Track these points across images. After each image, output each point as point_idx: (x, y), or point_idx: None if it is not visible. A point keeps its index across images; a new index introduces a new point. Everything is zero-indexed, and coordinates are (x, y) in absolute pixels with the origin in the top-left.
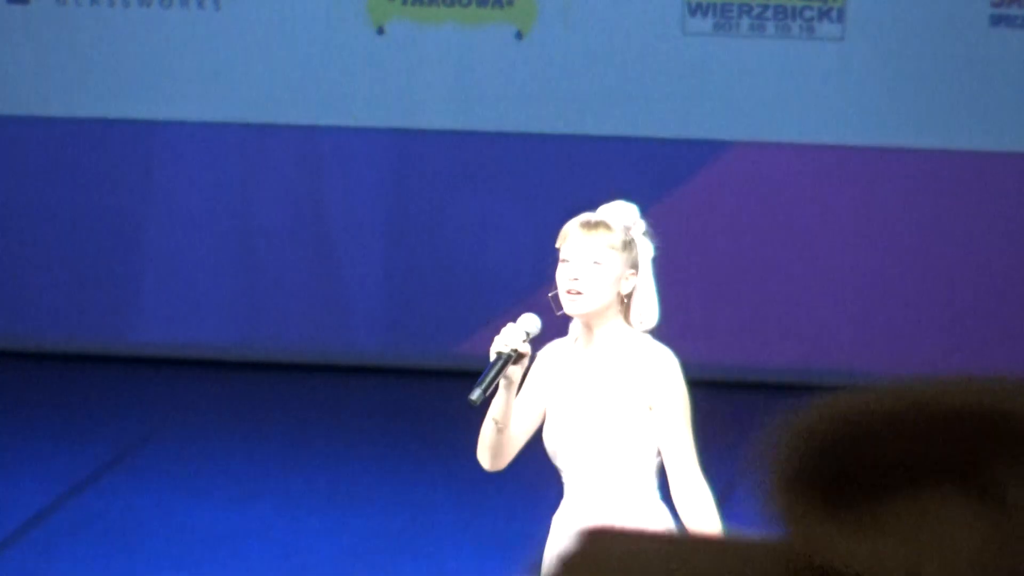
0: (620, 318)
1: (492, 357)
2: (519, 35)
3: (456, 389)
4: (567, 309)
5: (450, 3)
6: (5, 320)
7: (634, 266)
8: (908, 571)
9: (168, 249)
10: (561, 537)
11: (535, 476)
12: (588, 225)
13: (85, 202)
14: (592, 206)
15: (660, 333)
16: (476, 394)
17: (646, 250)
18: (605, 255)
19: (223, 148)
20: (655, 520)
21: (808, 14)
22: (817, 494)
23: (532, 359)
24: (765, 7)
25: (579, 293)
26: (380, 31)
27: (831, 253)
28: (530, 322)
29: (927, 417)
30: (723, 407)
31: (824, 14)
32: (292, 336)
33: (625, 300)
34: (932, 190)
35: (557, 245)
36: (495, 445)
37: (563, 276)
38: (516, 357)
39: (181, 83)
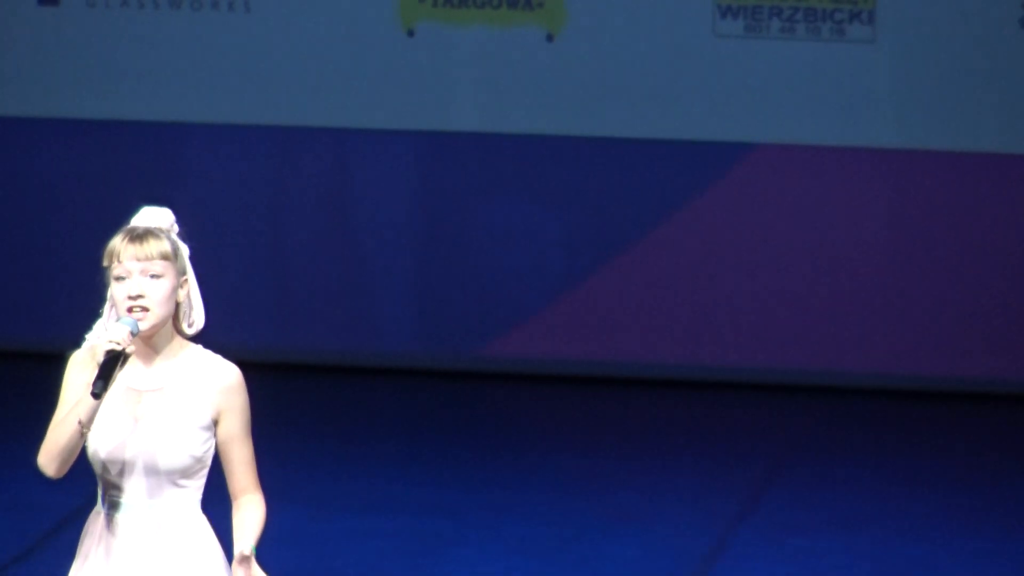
0: (171, 326)
1: (102, 356)
2: (549, 37)
3: (485, 391)
4: (138, 327)
5: (480, 5)
6: (33, 325)
7: (183, 272)
8: None
9: (197, 252)
10: (95, 545)
11: (564, 481)
12: (138, 238)
13: (114, 205)
14: (621, 208)
15: (684, 335)
16: (99, 387)
17: (186, 253)
18: (162, 266)
19: (252, 150)
20: (196, 533)
21: (839, 16)
22: None
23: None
24: (796, 9)
25: (145, 309)
26: (410, 33)
27: (860, 256)
28: (131, 323)
29: None
30: (749, 409)
31: (855, 16)
32: (320, 338)
33: (179, 306)
34: (962, 193)
35: (105, 264)
36: (72, 449)
37: (122, 294)
38: (124, 358)
39: (210, 85)
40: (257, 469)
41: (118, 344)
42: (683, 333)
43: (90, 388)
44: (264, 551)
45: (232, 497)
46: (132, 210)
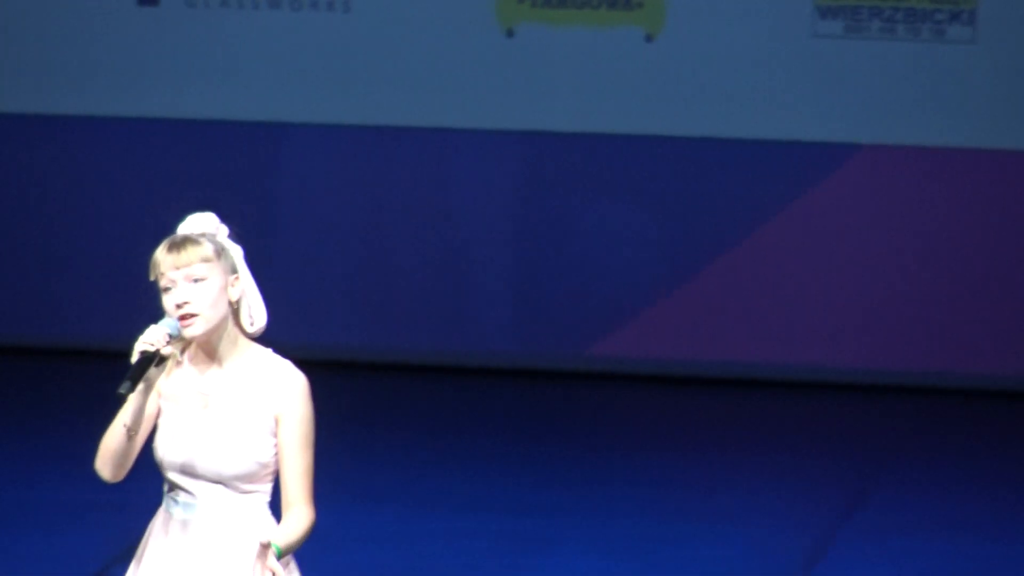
0: (234, 326)
1: (135, 356)
2: (648, 38)
3: (585, 392)
4: (187, 334)
5: (579, 5)
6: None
7: (233, 271)
8: None
9: (297, 251)
10: (156, 547)
11: (664, 481)
12: (176, 247)
13: (215, 203)
14: (723, 209)
15: (784, 336)
16: (126, 387)
17: (238, 252)
18: (204, 269)
19: (352, 150)
20: (242, 543)
21: (939, 17)
22: None
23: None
24: (896, 10)
25: (193, 316)
26: (509, 33)
27: (963, 256)
28: (172, 325)
29: None
30: (851, 409)
31: (955, 17)
32: (420, 338)
33: (234, 306)
34: None
35: (152, 277)
36: (122, 453)
37: (170, 304)
38: (159, 359)
39: (310, 85)
40: (358, 469)
41: (151, 345)
42: (784, 334)
43: (120, 388)
44: (363, 550)
45: (283, 509)
46: (235, 209)
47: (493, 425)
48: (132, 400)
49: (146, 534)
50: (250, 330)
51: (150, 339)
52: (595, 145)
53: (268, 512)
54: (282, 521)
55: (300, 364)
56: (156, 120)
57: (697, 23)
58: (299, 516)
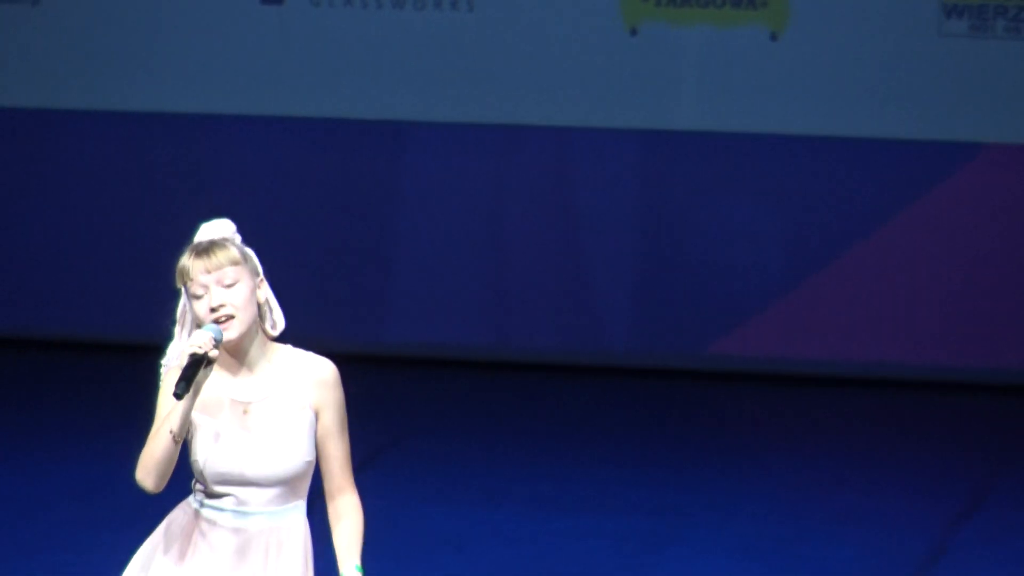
0: (259, 331)
1: (185, 360)
2: (773, 36)
3: (706, 391)
4: (225, 336)
5: (703, 4)
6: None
7: (257, 273)
8: None
9: (419, 249)
10: (210, 552)
11: (784, 481)
12: (204, 252)
13: (338, 201)
14: (845, 207)
15: (905, 335)
16: (180, 388)
17: (254, 256)
18: (234, 272)
19: (474, 149)
20: (303, 538)
21: None
22: None
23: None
24: (1022, 8)
25: (230, 318)
26: (633, 32)
27: None
28: (215, 329)
29: None
30: (971, 408)
31: None
32: (542, 337)
33: (261, 308)
34: None
35: (179, 285)
36: (167, 461)
37: (204, 310)
38: (207, 362)
39: (433, 84)
40: (480, 468)
41: (200, 348)
42: (905, 333)
43: (173, 390)
44: (484, 549)
45: (328, 496)
46: (358, 209)
47: (613, 424)
48: (178, 407)
49: (173, 530)
50: (273, 333)
51: (198, 342)
52: (717, 144)
53: (304, 510)
54: (340, 529)
55: (419, 363)
56: (278, 118)
57: (822, 22)
58: (354, 517)
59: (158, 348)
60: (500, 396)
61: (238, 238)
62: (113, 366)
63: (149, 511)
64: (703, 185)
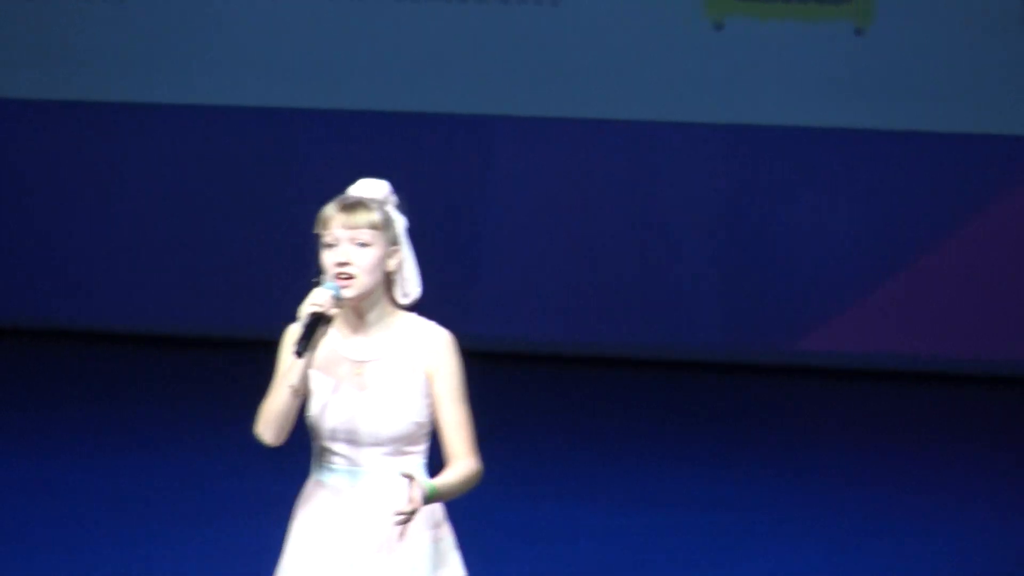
0: (385, 295)
1: (304, 318)
2: (858, 31)
3: (792, 387)
4: (343, 295)
5: None
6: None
7: (395, 242)
8: None
9: (505, 244)
10: (315, 514)
11: (872, 476)
12: (348, 207)
13: (425, 196)
14: (932, 202)
15: (993, 331)
16: (300, 346)
17: (401, 224)
18: (370, 235)
19: (560, 143)
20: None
21: None
22: None
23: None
24: None
25: (351, 277)
26: (718, 27)
27: None
28: (334, 287)
29: None
30: None
31: None
32: (628, 332)
33: (391, 276)
34: None
35: (316, 231)
36: (286, 415)
37: (330, 261)
38: (326, 320)
39: (519, 78)
40: (564, 463)
41: (320, 306)
42: (992, 328)
43: (293, 348)
44: (568, 544)
45: (445, 461)
46: (447, 201)
47: (700, 420)
48: (298, 362)
49: (299, 502)
50: (403, 301)
51: (317, 300)
52: (803, 138)
53: (425, 472)
54: (445, 472)
55: (505, 357)
56: (364, 113)
57: (907, 17)
58: (461, 464)
59: (258, 343)
60: (587, 391)
61: (391, 201)
62: (212, 362)
63: (241, 507)
64: (789, 180)
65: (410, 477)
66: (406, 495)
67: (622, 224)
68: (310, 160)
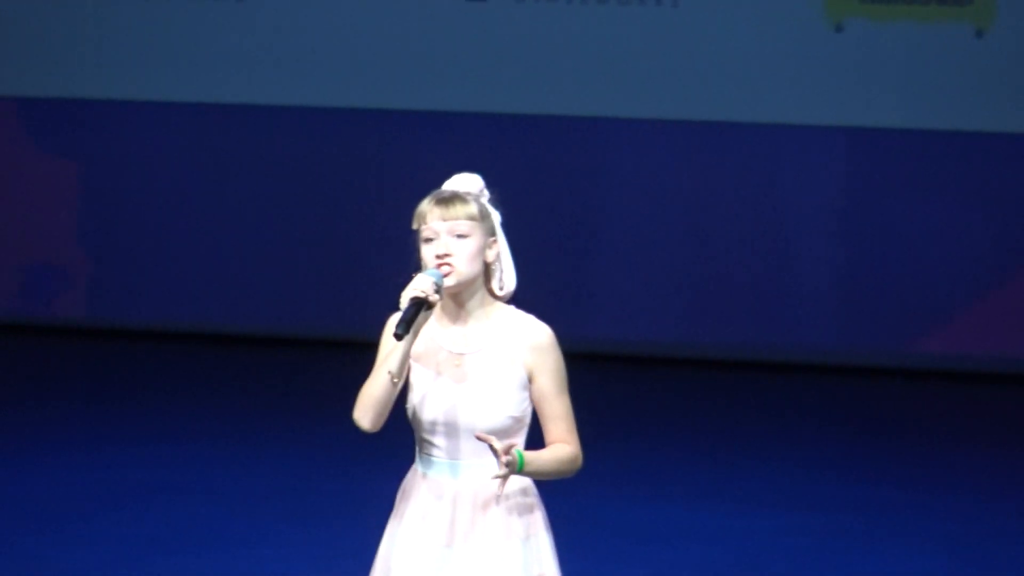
0: (483, 287)
1: (405, 303)
2: (979, 33)
3: (910, 389)
4: (443, 281)
5: (908, 1)
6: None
7: (492, 233)
8: None
9: (622, 246)
10: (414, 505)
11: (988, 479)
12: (444, 201)
13: (540, 198)
14: None
15: None
16: (401, 329)
17: (497, 217)
18: (468, 226)
19: (677, 145)
20: (519, 490)
21: None
22: None
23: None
24: None
25: (451, 267)
26: (838, 29)
27: None
28: (436, 274)
29: None
30: None
31: None
32: (745, 334)
33: (489, 268)
34: None
35: (415, 226)
36: (384, 401)
37: (430, 255)
38: (427, 306)
39: (635, 80)
40: (686, 464)
41: (422, 292)
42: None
43: (395, 330)
44: (689, 546)
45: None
46: (562, 202)
47: (817, 422)
48: (398, 348)
49: (401, 492)
50: (500, 293)
51: (420, 286)
52: (922, 141)
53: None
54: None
55: (617, 359)
56: (478, 114)
57: None
58: (558, 445)
59: (359, 344)
60: (703, 393)
61: (485, 195)
62: (321, 363)
63: (345, 509)
64: (906, 182)
65: (506, 449)
66: (500, 453)
67: (739, 226)
68: (420, 162)
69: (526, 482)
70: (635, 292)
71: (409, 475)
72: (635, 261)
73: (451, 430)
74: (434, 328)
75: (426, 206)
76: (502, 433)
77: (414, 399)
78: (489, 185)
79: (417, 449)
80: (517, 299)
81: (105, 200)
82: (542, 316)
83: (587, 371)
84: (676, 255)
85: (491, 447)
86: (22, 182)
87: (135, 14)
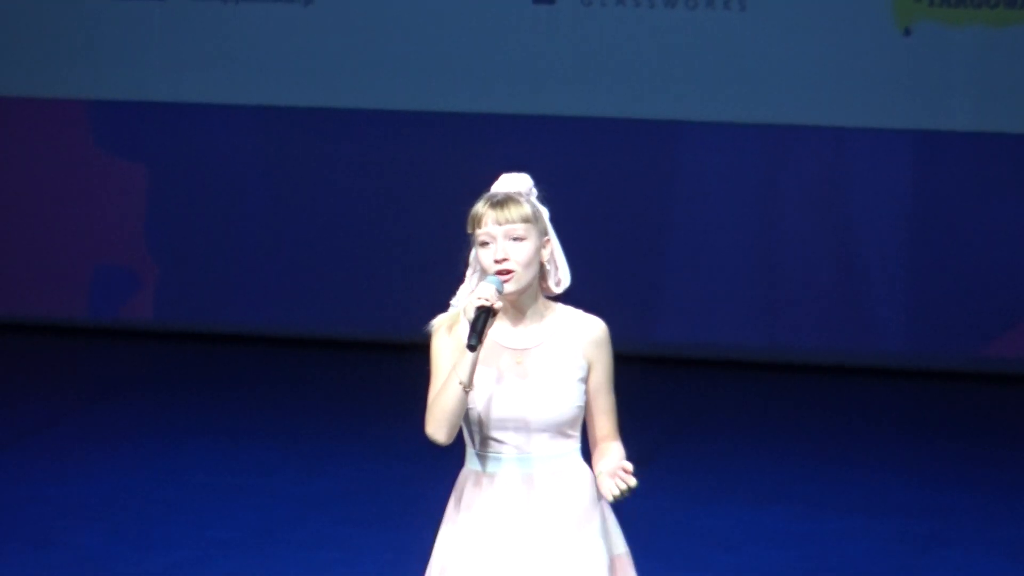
0: (539, 286)
1: (471, 313)
2: None
3: (983, 393)
4: (504, 288)
5: (977, 4)
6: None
7: (545, 232)
8: None
9: (691, 248)
10: (477, 505)
11: None
12: (499, 204)
13: (611, 201)
14: None
15: None
16: (473, 340)
17: (546, 214)
18: (523, 229)
19: (747, 148)
20: (586, 480)
21: None
22: None
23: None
24: None
25: (511, 272)
26: (906, 32)
27: None
28: (496, 281)
29: None
30: None
31: None
32: (814, 338)
33: (544, 267)
34: None
35: (469, 230)
36: (458, 413)
37: (488, 259)
38: (492, 313)
39: (705, 83)
40: (752, 468)
41: (487, 300)
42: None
43: (465, 342)
44: (755, 550)
45: (593, 444)
46: (624, 207)
47: (886, 426)
48: (468, 357)
49: (457, 493)
50: (556, 290)
51: (484, 294)
52: (992, 145)
53: (579, 451)
54: (609, 454)
55: (690, 363)
56: (549, 118)
57: None
58: (615, 447)
59: (419, 347)
60: (771, 397)
61: (535, 194)
62: (391, 366)
63: (410, 511)
64: (977, 186)
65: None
66: (618, 468)
67: (809, 230)
68: (494, 164)
69: (590, 472)
70: (704, 295)
71: (464, 477)
72: (704, 264)
73: (523, 426)
74: (495, 328)
75: (481, 209)
76: (570, 423)
77: (479, 401)
78: (558, 188)
79: (474, 451)
80: (586, 301)
81: (173, 203)
82: (611, 319)
83: (654, 374)
84: (745, 258)
85: (622, 475)
86: (91, 185)
87: (203, 18)
